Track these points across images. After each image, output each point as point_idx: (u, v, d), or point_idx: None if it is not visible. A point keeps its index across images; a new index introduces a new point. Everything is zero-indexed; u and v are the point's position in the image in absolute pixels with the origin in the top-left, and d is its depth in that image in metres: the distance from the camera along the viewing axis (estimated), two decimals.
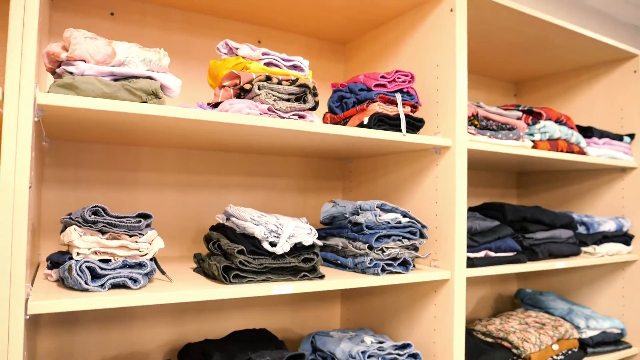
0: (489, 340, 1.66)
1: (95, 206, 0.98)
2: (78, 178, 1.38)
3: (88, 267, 0.94)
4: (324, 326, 1.78)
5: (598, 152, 1.79)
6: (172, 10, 1.54)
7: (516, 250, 1.54)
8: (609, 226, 1.84)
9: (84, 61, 0.94)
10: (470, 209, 1.71)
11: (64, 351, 1.34)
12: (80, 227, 0.97)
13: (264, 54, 1.12)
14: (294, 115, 1.13)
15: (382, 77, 1.31)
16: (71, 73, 0.93)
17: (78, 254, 0.95)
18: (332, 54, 1.84)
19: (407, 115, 1.31)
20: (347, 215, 1.33)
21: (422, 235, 1.32)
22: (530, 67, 2.16)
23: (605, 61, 2.06)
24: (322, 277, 1.16)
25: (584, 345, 1.77)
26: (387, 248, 1.26)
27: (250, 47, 1.16)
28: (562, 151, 1.66)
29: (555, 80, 2.27)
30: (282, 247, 1.10)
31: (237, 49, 1.17)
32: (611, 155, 1.84)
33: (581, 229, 1.82)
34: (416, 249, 1.33)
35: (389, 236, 1.27)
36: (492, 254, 1.49)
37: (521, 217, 1.64)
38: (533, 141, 1.62)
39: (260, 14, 1.58)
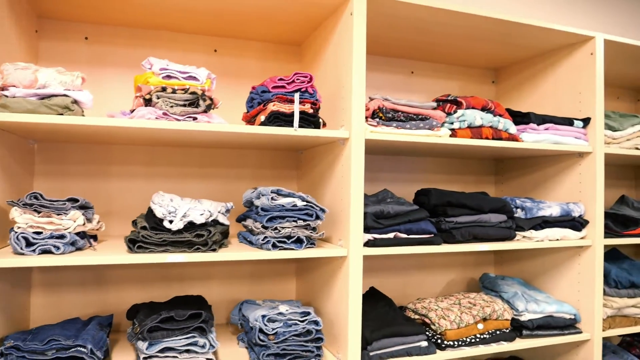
0: (415, 317, 1.79)
1: (33, 192, 1.32)
2: (62, 172, 1.76)
3: (23, 237, 1.29)
4: (278, 298, 2.02)
5: (537, 138, 1.81)
6: (137, 31, 1.85)
7: (431, 232, 1.66)
8: (552, 211, 1.85)
9: (15, 86, 1.28)
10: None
11: (52, 307, 1.73)
12: (20, 208, 1.32)
13: (161, 69, 1.38)
14: (188, 117, 1.39)
15: (281, 79, 1.52)
16: (6, 96, 1.27)
17: (18, 227, 1.30)
18: (287, 55, 2.05)
19: (302, 112, 1.50)
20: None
21: (317, 217, 1.51)
22: (503, 54, 2.18)
23: (566, 44, 2.04)
24: (214, 250, 1.41)
25: (522, 327, 1.82)
26: (283, 227, 1.47)
27: (160, 63, 1.43)
28: (487, 138, 1.73)
29: (525, 65, 2.26)
30: (176, 225, 1.37)
31: (152, 65, 1.45)
32: (555, 140, 1.85)
33: (521, 214, 1.86)
34: (314, 229, 1.52)
35: (283, 217, 1.48)
36: (403, 235, 1.63)
37: (445, 201, 1.74)
38: (453, 129, 1.70)
39: (215, 26, 1.82)
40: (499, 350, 1.75)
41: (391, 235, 1.61)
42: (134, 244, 1.36)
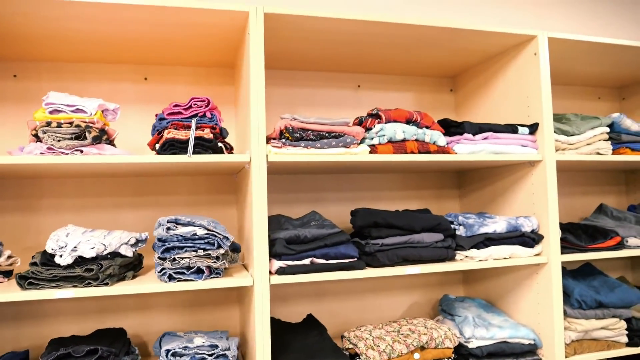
0: (350, 346, 1.68)
1: None
2: None
3: None
4: (221, 326, 1.95)
5: (472, 149, 1.68)
6: (64, 65, 1.88)
7: (352, 256, 1.56)
8: (497, 227, 1.70)
9: None
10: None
11: None
12: None
13: (47, 104, 1.38)
14: (75, 150, 1.37)
15: (176, 105, 1.48)
16: None
17: None
18: (221, 77, 2.02)
19: (198, 137, 1.45)
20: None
21: (219, 246, 1.45)
22: (453, 61, 2.06)
23: (511, 46, 1.90)
24: (106, 284, 1.37)
25: (470, 355, 1.67)
26: (181, 258, 1.42)
27: (57, 97, 1.42)
28: (412, 152, 1.62)
29: (479, 71, 2.13)
30: (65, 260, 1.34)
31: (46, 100, 1.44)
32: (494, 150, 1.71)
33: (462, 232, 1.72)
34: (218, 258, 1.46)
35: (182, 247, 1.42)
36: (320, 260, 1.53)
37: (372, 221, 1.63)
38: (373, 145, 1.60)
39: (144, 54, 1.82)
40: None
41: (307, 261, 1.52)
42: (25, 280, 1.34)
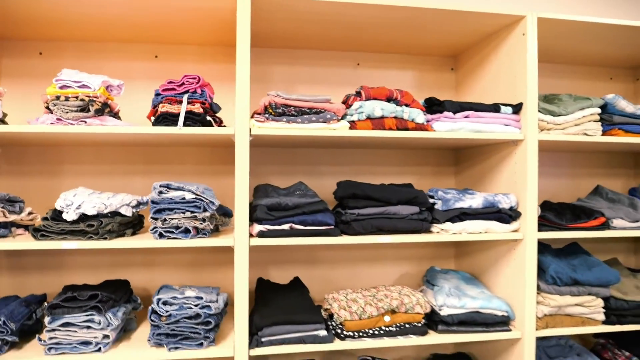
0: (327, 306, 1.81)
1: None
2: (22, 171, 2.03)
3: None
4: (218, 284, 2.14)
5: (452, 127, 1.74)
6: (84, 44, 2.07)
7: (329, 224, 1.68)
8: (473, 203, 1.77)
9: None
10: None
11: (17, 287, 2.01)
12: None
13: (57, 80, 1.56)
14: (80, 121, 1.56)
15: (170, 82, 1.64)
16: None
17: None
18: (225, 56, 2.15)
19: (189, 112, 1.60)
20: None
21: (205, 210, 1.61)
22: (454, 41, 2.10)
23: (504, 26, 1.92)
24: (105, 238, 1.57)
25: (442, 322, 1.77)
26: (171, 219, 1.59)
27: (67, 74, 1.61)
28: (390, 129, 1.70)
29: (476, 50, 2.15)
30: (70, 216, 1.55)
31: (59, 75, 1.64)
32: (474, 128, 1.76)
33: (439, 206, 1.80)
34: (204, 220, 1.62)
35: (172, 209, 1.60)
36: (298, 226, 1.67)
37: (350, 193, 1.75)
38: (353, 122, 1.70)
39: (155, 34, 1.99)
40: (407, 344, 1.72)
41: (286, 226, 1.66)
42: (37, 232, 1.56)
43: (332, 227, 1.69)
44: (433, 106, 1.82)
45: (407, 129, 1.72)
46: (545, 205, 2.09)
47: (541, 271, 1.86)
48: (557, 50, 2.22)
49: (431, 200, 1.82)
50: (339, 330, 1.70)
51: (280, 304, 1.75)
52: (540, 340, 2.12)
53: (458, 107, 1.77)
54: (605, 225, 1.90)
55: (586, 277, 1.82)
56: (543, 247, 2.02)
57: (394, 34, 2.00)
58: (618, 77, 2.53)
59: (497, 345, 1.95)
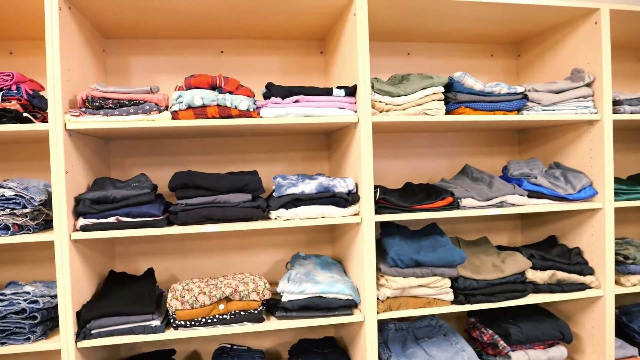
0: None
1: None
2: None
3: None
4: None
5: (278, 112, 1.72)
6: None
7: (155, 215, 1.68)
8: (306, 188, 1.76)
9: None
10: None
11: None
12: None
13: None
14: None
15: None
16: None
17: None
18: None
19: (2, 109, 1.60)
20: None
21: (25, 206, 1.62)
22: (323, 23, 2.08)
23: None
24: None
25: (283, 308, 1.78)
26: None
27: None
28: (213, 117, 1.69)
29: (337, 31, 2.12)
30: None
31: None
32: (304, 113, 1.74)
33: (275, 192, 1.79)
34: (25, 216, 1.63)
35: None
36: (124, 218, 1.67)
37: (181, 183, 1.74)
38: (175, 111, 1.69)
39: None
40: (242, 331, 1.73)
41: (112, 219, 1.67)
42: None
43: (159, 218, 1.69)
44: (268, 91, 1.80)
45: (231, 117, 1.71)
46: (405, 187, 2.08)
47: (385, 254, 1.85)
48: (431, 29, 2.19)
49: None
50: (172, 321, 1.71)
51: (118, 296, 1.76)
52: (412, 322, 2.15)
53: (287, 92, 1.75)
54: (454, 205, 1.88)
55: (429, 258, 1.81)
56: (398, 229, 2.01)
57: (257, 19, 1.98)
58: (499, 54, 2.50)
59: (353, 328, 1.96)
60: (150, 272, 1.98)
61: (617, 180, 2.19)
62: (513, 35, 2.36)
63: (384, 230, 2.00)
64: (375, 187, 1.89)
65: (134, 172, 2.15)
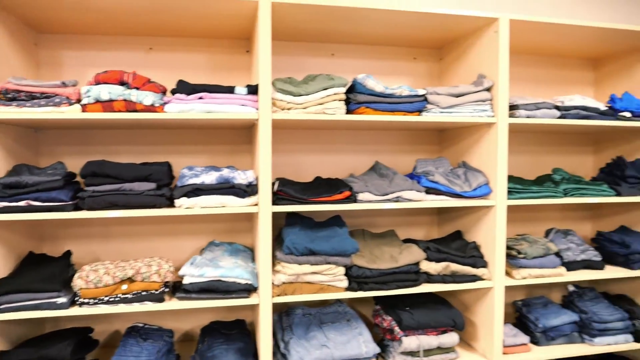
0: None
1: None
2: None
3: None
4: None
5: (182, 108, 1.85)
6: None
7: (62, 200, 1.82)
8: (206, 179, 1.90)
9: None
10: None
11: None
12: None
13: None
14: None
15: None
16: None
17: None
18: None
19: None
20: None
21: None
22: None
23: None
24: None
25: (184, 290, 1.91)
26: None
27: None
28: (120, 111, 1.82)
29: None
30: None
31: None
32: (206, 109, 1.87)
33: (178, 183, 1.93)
34: None
35: None
36: (35, 203, 1.81)
37: (90, 171, 1.87)
38: (84, 105, 1.82)
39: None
40: (143, 309, 1.86)
41: (23, 203, 1.80)
42: None
43: (67, 203, 1.82)
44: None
45: (136, 111, 1.84)
46: (314, 181, 2.22)
47: (284, 242, 1.99)
48: (354, 32, 2.32)
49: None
50: (76, 299, 1.85)
51: (30, 275, 1.90)
52: (320, 308, 2.29)
53: (191, 89, 1.88)
54: (351, 199, 2.02)
55: (322, 247, 1.95)
56: (301, 219, 2.15)
57: (183, 19, 2.10)
58: (422, 57, 2.62)
59: (257, 311, 2.10)
60: (67, 254, 2.11)
61: (517, 181, 2.33)
62: (435, 40, 2.49)
63: (287, 221, 2.14)
64: (278, 179, 2.02)
65: (65, 161, 2.28)
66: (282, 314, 2.27)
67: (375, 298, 2.32)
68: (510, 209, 2.74)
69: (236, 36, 2.38)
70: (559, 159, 2.85)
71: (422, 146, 2.64)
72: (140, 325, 2.15)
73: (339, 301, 2.38)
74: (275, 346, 2.10)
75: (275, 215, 2.33)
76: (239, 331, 2.19)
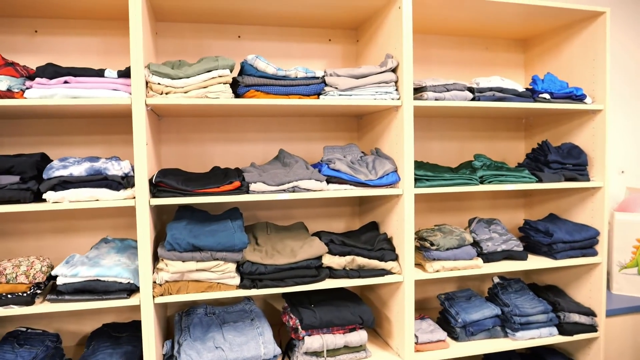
0: None
1: None
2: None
3: None
4: None
5: (44, 93, 1.68)
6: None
7: None
8: (74, 171, 1.73)
9: None
10: None
11: None
12: None
13: None
14: None
15: None
16: None
17: None
18: None
19: None
20: None
21: None
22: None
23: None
24: None
25: (56, 291, 1.76)
26: None
27: None
28: None
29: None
30: None
31: None
32: (72, 94, 1.71)
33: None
34: None
35: None
36: None
37: None
38: None
39: None
40: (9, 314, 1.70)
41: None
42: None
43: None
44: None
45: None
46: (210, 171, 2.07)
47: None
48: (262, 12, 2.17)
49: None
50: None
51: None
52: (225, 306, 2.15)
53: (54, 73, 1.72)
54: (242, 189, 1.87)
55: (207, 243, 1.80)
56: (192, 213, 2.01)
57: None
58: (337, 39, 2.48)
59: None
60: None
61: (430, 168, 2.20)
62: (349, 21, 2.34)
63: (176, 215, 1.99)
64: (161, 170, 1.87)
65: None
66: (183, 313, 2.13)
67: (285, 296, 2.17)
68: (434, 197, 2.61)
69: (117, 17, 2.20)
70: (490, 145, 2.73)
71: (342, 133, 2.50)
72: (23, 329, 1.99)
73: (247, 299, 2.24)
74: (172, 348, 1.95)
75: (165, 209, 2.20)
76: (131, 334, 2.05)
